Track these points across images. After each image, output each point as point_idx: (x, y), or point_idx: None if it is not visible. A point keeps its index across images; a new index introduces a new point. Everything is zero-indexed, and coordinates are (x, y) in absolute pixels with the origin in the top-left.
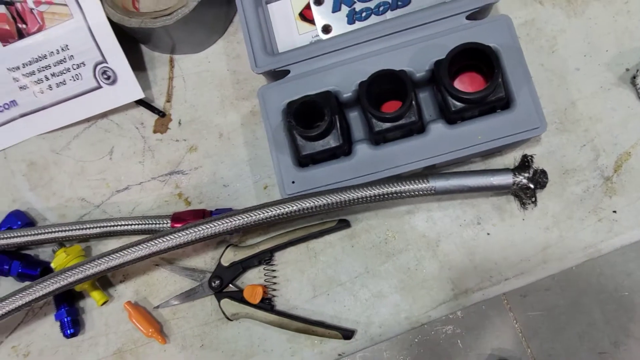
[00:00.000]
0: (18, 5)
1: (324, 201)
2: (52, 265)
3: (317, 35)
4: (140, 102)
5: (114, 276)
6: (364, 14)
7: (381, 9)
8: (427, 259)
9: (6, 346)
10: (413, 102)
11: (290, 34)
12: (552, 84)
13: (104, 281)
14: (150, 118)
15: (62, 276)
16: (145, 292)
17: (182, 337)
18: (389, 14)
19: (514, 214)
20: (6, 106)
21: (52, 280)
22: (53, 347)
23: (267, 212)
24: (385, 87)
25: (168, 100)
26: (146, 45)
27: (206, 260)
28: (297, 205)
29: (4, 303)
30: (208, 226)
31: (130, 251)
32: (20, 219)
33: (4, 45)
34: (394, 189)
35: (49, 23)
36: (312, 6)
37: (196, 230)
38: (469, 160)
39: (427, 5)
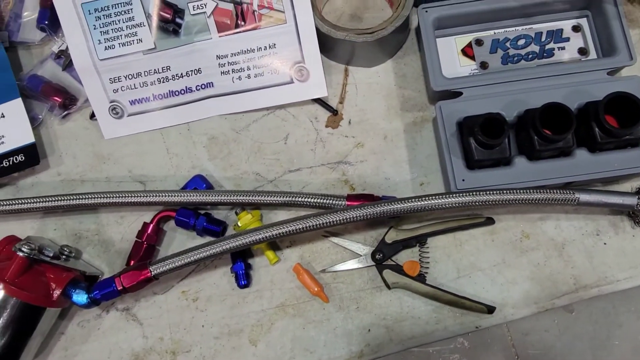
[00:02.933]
0: (244, 5)
1: (490, 197)
2: (239, 223)
3: (476, 69)
4: (317, 100)
5: (282, 241)
6: (515, 58)
7: (530, 56)
8: (553, 258)
9: (176, 290)
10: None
11: (453, 64)
12: None
13: (273, 245)
14: (324, 114)
15: (249, 235)
16: (309, 257)
17: (340, 299)
18: (535, 62)
19: (626, 230)
20: (203, 86)
21: (241, 237)
22: (221, 295)
23: (443, 200)
24: (548, 116)
25: (341, 102)
26: (328, 54)
27: (365, 238)
28: (470, 197)
29: (199, 251)
30: (381, 207)
31: (312, 220)
32: (205, 182)
33: (220, 36)
34: (545, 196)
35: (264, 24)
36: (474, 46)
37: (370, 209)
38: (593, 182)
39: (567, 59)
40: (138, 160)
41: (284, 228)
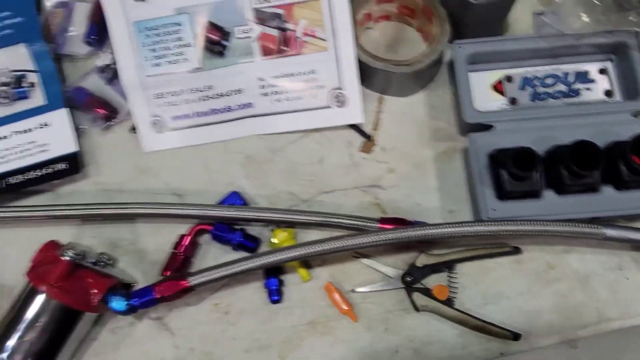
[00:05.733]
0: (289, 32)
1: (520, 227)
2: (275, 240)
3: (506, 104)
4: (352, 126)
5: (313, 260)
6: (543, 96)
7: (557, 95)
8: (577, 290)
9: (208, 302)
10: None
11: (483, 98)
12: None
13: (305, 263)
14: (358, 139)
15: (286, 252)
16: (340, 277)
17: (369, 319)
18: (562, 101)
19: None
20: (243, 106)
21: (278, 254)
22: (252, 309)
23: (475, 227)
24: (577, 153)
25: (374, 129)
26: (364, 82)
27: (395, 261)
28: (500, 226)
29: (237, 265)
30: (413, 232)
31: (346, 240)
32: (241, 199)
33: (263, 59)
34: (573, 229)
35: (306, 50)
36: (504, 82)
37: (403, 233)
38: (618, 219)
39: (593, 100)
40: (175, 174)
41: (319, 247)
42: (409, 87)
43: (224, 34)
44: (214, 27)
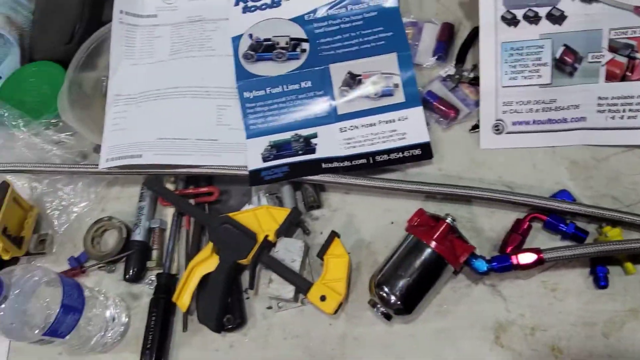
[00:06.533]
0: (637, 61)
1: None
2: (608, 234)
3: None
4: None
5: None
6: None
7: None
8: None
9: (537, 279)
10: None
11: None
12: None
13: (632, 258)
14: None
15: (619, 244)
16: None
17: None
18: None
19: None
20: (576, 119)
21: (613, 244)
22: (577, 290)
23: None
24: None
25: None
26: None
27: None
28: None
29: (592, 247)
30: None
31: None
32: (571, 196)
33: (606, 82)
34: None
35: None
36: None
37: None
38: None
39: None
40: (507, 169)
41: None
42: None
43: (577, 57)
44: (569, 50)
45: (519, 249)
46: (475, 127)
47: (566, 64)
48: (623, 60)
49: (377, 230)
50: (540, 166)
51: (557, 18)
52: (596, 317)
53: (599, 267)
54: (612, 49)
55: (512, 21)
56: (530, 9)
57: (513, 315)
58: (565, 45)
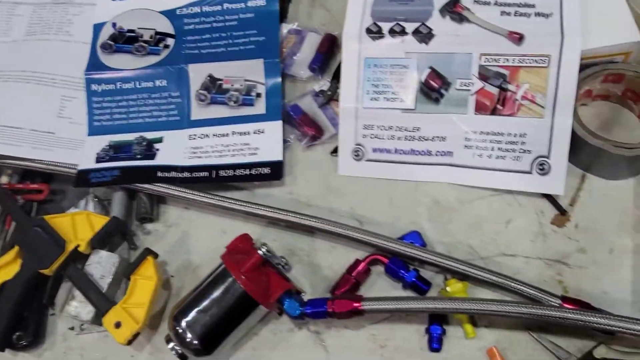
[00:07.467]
0: (508, 93)
1: None
2: (448, 289)
3: None
4: (547, 196)
5: (480, 319)
6: None
7: None
8: None
9: (367, 331)
10: None
11: None
12: None
13: (471, 319)
14: (550, 210)
15: (458, 302)
16: (505, 344)
17: None
18: None
19: None
20: (442, 153)
21: (451, 302)
22: (408, 351)
23: None
24: None
25: (571, 204)
26: (569, 156)
27: (568, 344)
28: None
29: (411, 302)
30: (604, 319)
31: (526, 308)
32: (421, 240)
33: (475, 114)
34: None
35: (520, 113)
36: None
37: (590, 317)
38: None
39: None
40: (361, 201)
41: (498, 307)
42: (620, 171)
43: (445, 83)
44: (437, 75)
45: (348, 294)
46: (336, 150)
47: (432, 89)
48: (494, 90)
49: (208, 253)
50: (398, 202)
51: (424, 36)
52: None
53: (433, 326)
54: (483, 77)
55: (377, 35)
56: (397, 23)
57: None
58: (431, 67)
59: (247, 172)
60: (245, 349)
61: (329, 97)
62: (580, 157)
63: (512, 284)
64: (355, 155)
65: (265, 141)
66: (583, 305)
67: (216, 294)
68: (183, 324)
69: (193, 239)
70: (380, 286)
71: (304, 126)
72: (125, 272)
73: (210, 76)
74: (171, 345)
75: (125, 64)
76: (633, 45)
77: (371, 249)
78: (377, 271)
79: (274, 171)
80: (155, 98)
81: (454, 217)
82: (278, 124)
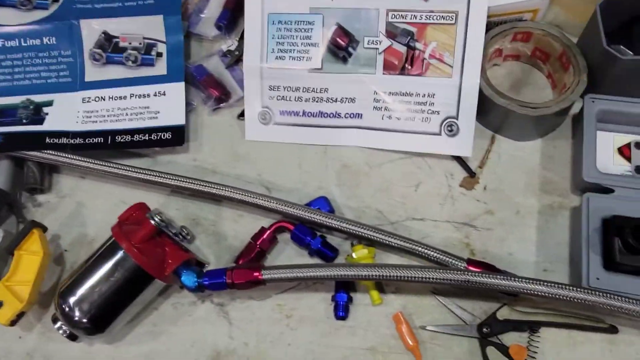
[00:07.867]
0: (417, 52)
1: (625, 305)
2: (354, 255)
3: (630, 171)
4: (457, 158)
5: (387, 285)
6: None
7: None
8: None
9: (272, 301)
10: None
11: (606, 160)
12: None
13: (378, 286)
14: (460, 173)
15: (366, 268)
16: (411, 309)
17: None
18: None
19: None
20: (352, 115)
21: (357, 269)
22: (315, 319)
23: (573, 293)
24: None
25: (480, 167)
26: (479, 116)
27: (474, 307)
28: (601, 299)
29: (313, 270)
30: (503, 281)
31: (431, 273)
32: (329, 206)
33: (384, 73)
34: None
35: (429, 73)
36: (633, 147)
37: (491, 279)
38: None
39: None
40: (270, 167)
41: (402, 272)
42: (527, 131)
43: (352, 41)
44: (343, 32)
45: (252, 263)
46: (243, 113)
47: (339, 47)
48: (402, 49)
49: (105, 225)
50: (307, 167)
51: None
52: (328, 353)
53: (339, 294)
54: (391, 34)
55: None
56: None
57: (235, 343)
58: (338, 24)
59: (147, 137)
60: (144, 325)
61: (237, 57)
62: (489, 118)
63: (419, 248)
64: (262, 119)
65: (167, 104)
66: (487, 268)
67: (106, 268)
68: (70, 301)
69: (89, 211)
70: (287, 254)
71: (209, 88)
72: (9, 247)
73: (105, 33)
74: (58, 324)
75: (8, 19)
76: (539, 2)
77: (278, 216)
78: (284, 239)
79: (176, 136)
80: (43, 57)
81: (363, 181)
82: (180, 86)
